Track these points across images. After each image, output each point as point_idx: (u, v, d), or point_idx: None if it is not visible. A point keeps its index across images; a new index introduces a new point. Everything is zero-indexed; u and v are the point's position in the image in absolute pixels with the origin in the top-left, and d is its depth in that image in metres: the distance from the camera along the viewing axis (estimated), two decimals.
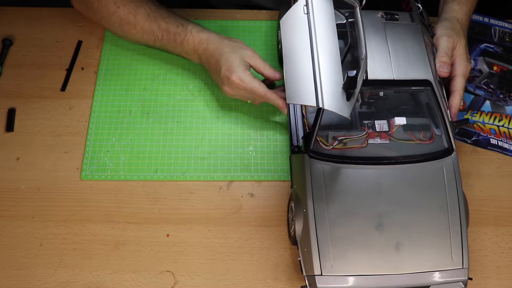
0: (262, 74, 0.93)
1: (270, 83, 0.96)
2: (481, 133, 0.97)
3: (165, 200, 0.91)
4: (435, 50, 0.90)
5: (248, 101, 0.95)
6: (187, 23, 0.97)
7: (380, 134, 0.82)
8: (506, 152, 0.95)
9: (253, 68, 0.92)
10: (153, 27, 0.96)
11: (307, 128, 0.86)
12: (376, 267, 0.74)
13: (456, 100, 0.87)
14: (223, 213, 0.90)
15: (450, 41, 0.89)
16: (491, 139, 0.96)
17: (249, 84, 0.89)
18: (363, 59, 0.74)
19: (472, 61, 1.03)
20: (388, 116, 0.84)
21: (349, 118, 0.70)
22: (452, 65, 0.89)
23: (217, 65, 0.92)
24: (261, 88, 0.90)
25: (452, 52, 0.89)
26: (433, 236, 0.75)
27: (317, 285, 0.73)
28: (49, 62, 1.04)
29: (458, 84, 0.88)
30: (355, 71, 0.68)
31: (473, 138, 0.97)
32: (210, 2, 1.17)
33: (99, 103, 1.00)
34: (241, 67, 0.90)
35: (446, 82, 0.89)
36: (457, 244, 0.75)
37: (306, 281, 0.75)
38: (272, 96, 0.90)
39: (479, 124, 0.98)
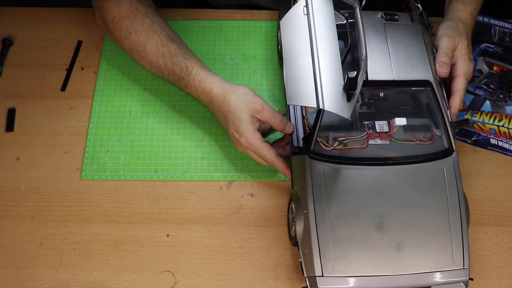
0: (272, 127, 0.88)
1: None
2: (481, 133, 0.97)
3: (165, 200, 0.91)
4: (435, 51, 0.90)
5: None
6: (192, 66, 0.91)
7: (381, 134, 0.82)
8: (506, 152, 0.95)
9: (262, 121, 0.87)
10: (160, 64, 0.93)
11: (307, 129, 0.86)
12: (377, 268, 0.74)
13: (457, 101, 0.87)
14: (223, 213, 0.90)
15: (450, 41, 0.89)
16: (491, 139, 0.96)
17: (258, 150, 0.85)
18: (363, 59, 0.74)
19: None
20: (388, 116, 0.84)
21: (349, 119, 0.70)
22: (454, 65, 0.89)
23: (224, 122, 0.88)
24: (269, 155, 0.85)
25: (452, 52, 0.89)
26: (434, 237, 0.76)
27: (318, 286, 0.73)
28: (49, 62, 1.04)
29: (459, 84, 0.88)
30: (355, 72, 0.68)
31: (473, 138, 0.97)
32: (209, 2, 1.16)
33: (99, 103, 1.00)
34: (250, 127, 0.85)
35: (449, 82, 0.89)
36: (458, 245, 0.75)
37: (307, 282, 0.75)
38: (279, 165, 0.87)
39: (479, 124, 0.98)
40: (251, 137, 0.85)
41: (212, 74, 0.91)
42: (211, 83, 0.89)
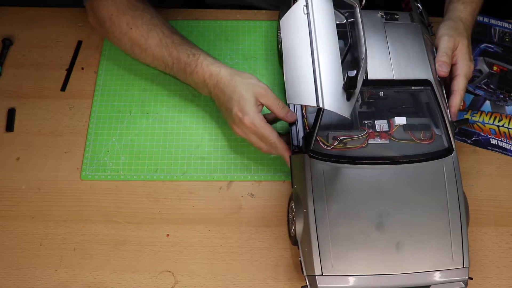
0: (274, 113, 0.88)
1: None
2: (481, 133, 0.97)
3: (165, 200, 0.91)
4: (434, 50, 0.90)
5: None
6: (198, 53, 0.93)
7: (380, 134, 0.82)
8: (506, 152, 0.95)
9: (265, 106, 0.88)
10: (164, 53, 0.93)
11: (307, 128, 0.86)
12: (377, 267, 0.73)
13: (456, 100, 0.87)
14: (223, 213, 0.90)
15: (450, 41, 0.89)
16: (491, 139, 0.96)
17: (260, 130, 0.85)
18: (363, 59, 0.74)
19: None
20: (388, 116, 0.84)
21: (349, 118, 0.70)
22: (454, 65, 0.89)
23: (228, 103, 0.88)
24: (272, 135, 0.86)
25: (453, 52, 0.89)
26: (433, 236, 0.75)
27: (318, 285, 0.73)
28: (49, 62, 1.04)
29: (459, 84, 0.88)
30: (355, 71, 0.68)
31: (473, 138, 0.97)
32: (206, 2, 1.16)
33: (99, 103, 1.00)
34: (254, 108, 0.86)
35: (449, 82, 0.89)
36: (458, 244, 0.75)
37: (307, 281, 0.75)
38: (280, 146, 0.86)
39: (479, 124, 0.98)
40: (254, 116, 0.85)
41: (218, 60, 0.93)
42: (219, 66, 0.91)
